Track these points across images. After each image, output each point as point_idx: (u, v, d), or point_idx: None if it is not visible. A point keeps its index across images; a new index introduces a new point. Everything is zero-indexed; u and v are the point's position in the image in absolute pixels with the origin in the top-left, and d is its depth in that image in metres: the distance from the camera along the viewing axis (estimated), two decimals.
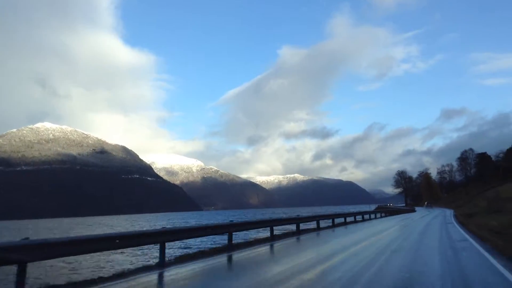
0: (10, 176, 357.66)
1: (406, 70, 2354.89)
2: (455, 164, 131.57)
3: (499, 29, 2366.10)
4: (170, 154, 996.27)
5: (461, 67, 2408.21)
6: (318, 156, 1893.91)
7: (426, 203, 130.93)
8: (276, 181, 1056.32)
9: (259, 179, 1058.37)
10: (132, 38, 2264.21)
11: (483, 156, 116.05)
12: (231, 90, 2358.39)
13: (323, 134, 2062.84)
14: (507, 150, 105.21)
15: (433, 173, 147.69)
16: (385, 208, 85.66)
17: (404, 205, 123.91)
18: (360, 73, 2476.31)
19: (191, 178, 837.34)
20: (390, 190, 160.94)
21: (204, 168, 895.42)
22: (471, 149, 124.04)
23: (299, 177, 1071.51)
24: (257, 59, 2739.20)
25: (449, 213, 47.72)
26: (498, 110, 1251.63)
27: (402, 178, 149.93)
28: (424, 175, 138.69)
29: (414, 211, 65.57)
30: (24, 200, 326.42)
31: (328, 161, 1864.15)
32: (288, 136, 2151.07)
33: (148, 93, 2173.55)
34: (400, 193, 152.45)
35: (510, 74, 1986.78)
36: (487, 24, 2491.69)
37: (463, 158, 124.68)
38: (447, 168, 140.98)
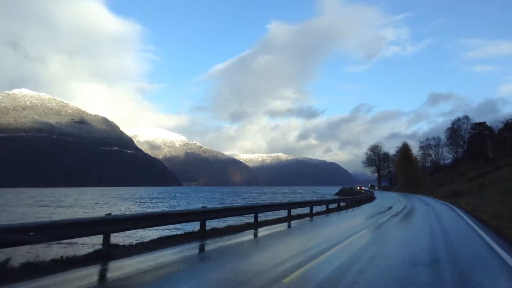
0: None
1: (396, 53, 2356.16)
2: (443, 137, 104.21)
3: (490, 16, 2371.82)
4: (154, 127, 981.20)
5: (450, 52, 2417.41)
6: (303, 136, 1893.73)
7: (369, 185, 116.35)
8: (260, 159, 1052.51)
9: (243, 156, 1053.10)
10: (117, 5, 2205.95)
11: (482, 126, 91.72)
12: (217, 65, 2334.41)
13: (309, 113, 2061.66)
14: None
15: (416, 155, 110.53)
16: (345, 192, 80.00)
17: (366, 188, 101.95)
18: (349, 54, 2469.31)
19: (174, 153, 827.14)
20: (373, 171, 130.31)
21: (187, 143, 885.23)
22: (466, 117, 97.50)
23: (283, 156, 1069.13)
24: (245, 34, 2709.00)
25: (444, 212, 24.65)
26: (485, 97, 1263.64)
27: (375, 154, 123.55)
28: (402, 147, 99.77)
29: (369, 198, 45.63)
30: None
31: (312, 141, 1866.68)
32: (274, 114, 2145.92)
33: (133, 64, 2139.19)
34: (374, 172, 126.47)
35: (498, 61, 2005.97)
36: (478, 11, 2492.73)
37: (455, 129, 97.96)
38: (432, 142, 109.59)
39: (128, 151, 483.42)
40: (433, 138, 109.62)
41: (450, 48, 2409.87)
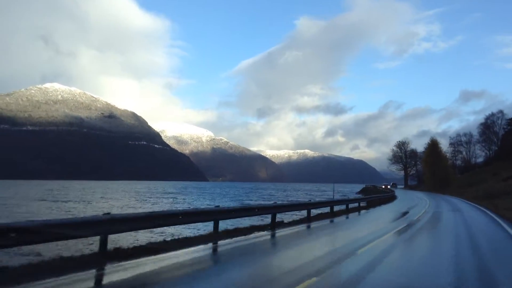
0: (15, 136, 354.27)
1: (427, 49, 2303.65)
2: (475, 133, 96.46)
3: None
4: (181, 123, 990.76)
5: (483, 49, 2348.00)
6: (330, 133, 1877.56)
7: (391, 184, 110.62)
8: (286, 155, 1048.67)
9: (269, 152, 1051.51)
10: (148, 1, 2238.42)
11: None
12: (245, 61, 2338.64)
13: (337, 110, 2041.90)
14: None
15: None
16: (368, 191, 76.86)
17: (388, 186, 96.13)
18: (379, 50, 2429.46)
19: (200, 148, 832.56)
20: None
21: (214, 139, 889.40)
22: (500, 112, 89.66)
23: (309, 153, 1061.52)
24: (273, 30, 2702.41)
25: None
26: None
27: (402, 151, 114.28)
28: (430, 142, 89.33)
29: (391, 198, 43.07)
30: (28, 160, 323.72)
31: (340, 138, 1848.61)
32: (301, 110, 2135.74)
33: (162, 60, 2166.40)
34: (400, 170, 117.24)
35: None
36: None
37: (488, 125, 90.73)
38: (464, 138, 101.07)
39: (155, 145, 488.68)
40: (465, 135, 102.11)
41: (484, 45, 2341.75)
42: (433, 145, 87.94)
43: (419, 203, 34.04)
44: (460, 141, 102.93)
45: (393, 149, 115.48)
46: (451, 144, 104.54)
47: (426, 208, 27.00)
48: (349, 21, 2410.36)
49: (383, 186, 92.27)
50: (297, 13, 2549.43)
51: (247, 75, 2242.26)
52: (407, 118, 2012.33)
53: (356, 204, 28.08)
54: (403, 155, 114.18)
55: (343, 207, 25.08)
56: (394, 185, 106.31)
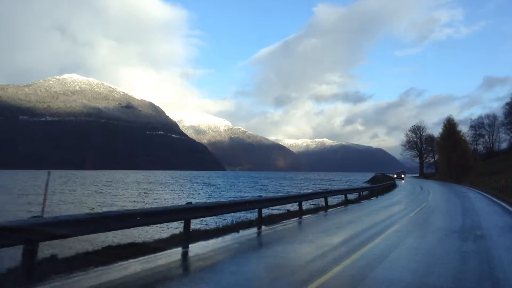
0: (34, 126, 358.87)
1: (449, 35, 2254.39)
2: (500, 114, 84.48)
3: None
4: (199, 112, 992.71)
5: (508, 34, 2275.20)
6: (348, 121, 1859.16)
7: (400, 171, 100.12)
8: (304, 144, 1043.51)
9: (287, 141, 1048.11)
10: None
11: None
12: (262, 49, 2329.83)
13: (356, 98, 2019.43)
14: None
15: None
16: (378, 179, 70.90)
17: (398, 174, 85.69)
18: (399, 36, 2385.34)
19: (218, 138, 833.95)
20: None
21: (231, 128, 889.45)
22: None
23: (327, 141, 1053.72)
24: (291, 18, 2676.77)
25: None
26: None
27: (417, 136, 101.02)
28: (446, 122, 73.98)
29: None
30: (47, 150, 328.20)
31: (359, 126, 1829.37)
32: (319, 99, 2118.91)
33: (180, 50, 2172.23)
34: (415, 157, 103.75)
35: None
36: None
37: None
38: (486, 121, 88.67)
39: (172, 135, 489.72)
40: (487, 116, 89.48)
41: (508, 30, 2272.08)
42: (449, 126, 73.53)
43: (413, 199, 23.74)
44: (482, 123, 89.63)
45: (407, 134, 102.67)
46: (471, 127, 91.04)
47: (417, 210, 16.80)
48: (368, 7, 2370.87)
49: (395, 175, 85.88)
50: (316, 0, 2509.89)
51: (264, 64, 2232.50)
52: (428, 105, 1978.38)
53: (356, 195, 25.36)
54: (418, 140, 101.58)
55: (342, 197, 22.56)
56: (402, 173, 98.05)
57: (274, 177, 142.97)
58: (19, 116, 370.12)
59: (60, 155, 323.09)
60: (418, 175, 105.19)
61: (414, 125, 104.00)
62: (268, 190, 53.47)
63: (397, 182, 51.25)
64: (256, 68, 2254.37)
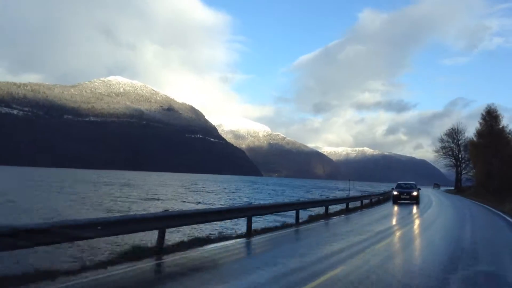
0: (78, 126, 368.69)
1: (499, 45, 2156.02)
2: None
3: None
4: (239, 117, 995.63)
5: None
6: (391, 130, 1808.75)
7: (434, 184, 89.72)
8: (344, 153, 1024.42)
9: (326, 149, 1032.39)
10: None
11: None
12: (304, 56, 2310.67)
13: (399, 107, 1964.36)
14: None
15: None
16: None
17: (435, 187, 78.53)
18: (447, 44, 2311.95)
19: (257, 143, 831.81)
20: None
21: (271, 134, 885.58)
22: None
23: (368, 150, 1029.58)
24: (334, 23, 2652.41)
25: None
26: None
27: (454, 141, 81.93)
28: (485, 114, 55.62)
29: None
30: (90, 150, 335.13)
31: (402, 136, 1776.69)
32: (360, 107, 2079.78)
33: (222, 55, 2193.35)
34: (451, 166, 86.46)
35: None
36: None
37: None
38: None
39: (211, 139, 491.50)
40: None
41: None
42: (490, 119, 53.88)
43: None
44: None
45: (442, 139, 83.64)
46: None
47: None
48: (415, 14, 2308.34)
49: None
50: (361, 5, 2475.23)
51: (305, 70, 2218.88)
52: (476, 116, 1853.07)
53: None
54: (455, 146, 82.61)
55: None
56: (437, 186, 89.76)
57: (306, 185, 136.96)
58: (64, 115, 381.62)
59: (101, 155, 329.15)
60: (454, 188, 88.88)
61: (451, 128, 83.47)
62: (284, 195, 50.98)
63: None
64: (296, 75, 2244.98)
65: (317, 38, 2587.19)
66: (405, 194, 33.40)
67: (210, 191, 59.34)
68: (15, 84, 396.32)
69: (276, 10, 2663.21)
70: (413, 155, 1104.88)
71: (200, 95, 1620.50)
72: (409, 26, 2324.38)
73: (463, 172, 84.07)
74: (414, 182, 37.19)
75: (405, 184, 36.80)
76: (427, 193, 55.86)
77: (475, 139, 59.44)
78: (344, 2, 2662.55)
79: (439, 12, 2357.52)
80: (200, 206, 29.88)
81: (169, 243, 9.96)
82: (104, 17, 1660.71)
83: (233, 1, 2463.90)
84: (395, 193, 33.88)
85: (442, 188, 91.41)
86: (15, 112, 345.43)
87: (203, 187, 68.88)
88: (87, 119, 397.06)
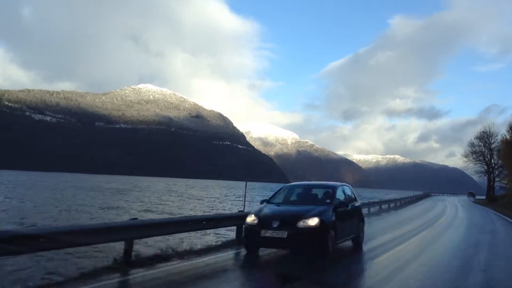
0: (109, 133, 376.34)
1: None
2: None
3: None
4: (267, 124, 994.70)
5: None
6: (423, 138, 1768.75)
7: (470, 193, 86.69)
8: (374, 160, 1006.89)
9: (356, 157, 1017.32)
10: (238, 5, 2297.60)
11: None
12: (333, 62, 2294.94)
13: (431, 114, 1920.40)
14: None
15: None
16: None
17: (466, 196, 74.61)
18: (480, 51, 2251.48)
19: (285, 150, 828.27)
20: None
21: (299, 141, 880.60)
22: None
23: (399, 158, 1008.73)
24: (365, 30, 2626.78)
25: None
26: None
27: (485, 146, 73.28)
28: None
29: None
30: (120, 156, 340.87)
31: (434, 144, 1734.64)
32: (391, 114, 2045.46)
33: (251, 62, 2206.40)
34: (482, 173, 78.09)
35: None
36: None
37: None
38: None
39: (239, 146, 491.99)
40: None
41: None
42: None
43: None
44: None
45: (472, 143, 74.85)
46: None
47: None
48: (448, 19, 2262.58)
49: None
50: (392, 11, 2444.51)
51: (334, 77, 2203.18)
52: None
53: None
54: (486, 151, 73.82)
55: None
56: (471, 195, 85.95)
57: None
58: (95, 122, 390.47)
59: (131, 161, 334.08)
60: (485, 197, 80.00)
61: (482, 131, 74.03)
62: None
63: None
64: (325, 82, 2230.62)
65: (347, 45, 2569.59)
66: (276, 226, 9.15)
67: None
68: (48, 92, 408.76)
69: (305, 17, 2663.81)
70: (446, 163, 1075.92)
71: (229, 102, 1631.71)
72: (441, 32, 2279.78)
73: (496, 179, 75.52)
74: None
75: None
76: (452, 203, 50.54)
77: (508, 136, 51.04)
78: (375, 9, 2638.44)
79: (471, 17, 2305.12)
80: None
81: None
82: (136, 27, 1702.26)
83: (262, 9, 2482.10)
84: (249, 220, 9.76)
85: (477, 197, 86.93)
86: (48, 119, 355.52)
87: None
88: (117, 126, 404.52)
